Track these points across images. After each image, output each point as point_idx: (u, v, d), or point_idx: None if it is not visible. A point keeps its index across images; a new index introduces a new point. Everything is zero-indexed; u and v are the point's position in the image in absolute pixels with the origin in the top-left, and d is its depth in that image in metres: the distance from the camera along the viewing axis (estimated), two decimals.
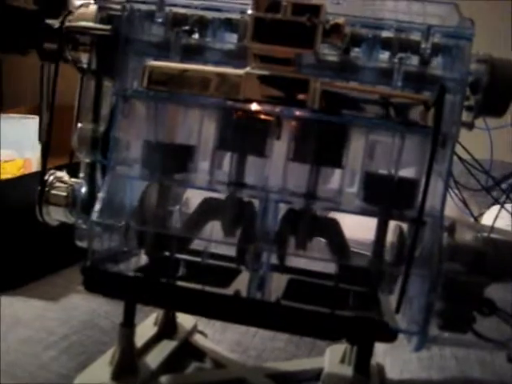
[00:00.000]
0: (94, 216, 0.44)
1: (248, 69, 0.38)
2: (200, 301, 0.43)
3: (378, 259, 0.44)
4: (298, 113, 0.40)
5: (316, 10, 0.36)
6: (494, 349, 0.51)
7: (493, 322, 0.45)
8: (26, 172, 0.86)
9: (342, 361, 0.51)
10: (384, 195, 0.43)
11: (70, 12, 0.47)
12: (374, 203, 0.44)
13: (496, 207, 0.56)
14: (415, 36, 0.43)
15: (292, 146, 0.42)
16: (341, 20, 0.38)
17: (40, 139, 0.50)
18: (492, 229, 0.47)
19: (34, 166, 0.89)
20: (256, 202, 0.44)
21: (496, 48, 0.45)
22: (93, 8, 0.47)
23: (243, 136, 0.41)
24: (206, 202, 0.45)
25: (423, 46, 0.42)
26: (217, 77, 0.39)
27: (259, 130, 0.40)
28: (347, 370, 0.50)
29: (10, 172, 0.83)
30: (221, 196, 0.45)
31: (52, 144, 0.49)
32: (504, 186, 0.47)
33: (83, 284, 0.44)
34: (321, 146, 0.41)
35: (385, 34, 0.43)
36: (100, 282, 0.44)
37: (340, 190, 0.44)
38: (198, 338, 0.55)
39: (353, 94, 0.39)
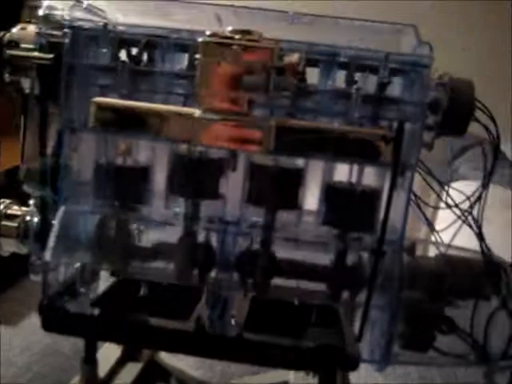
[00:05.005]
0: (48, 256, 0.42)
1: (199, 112, 0.36)
2: (160, 337, 0.43)
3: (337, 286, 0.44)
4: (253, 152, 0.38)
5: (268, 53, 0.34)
6: (455, 365, 0.52)
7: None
8: None
9: (308, 373, 0.52)
10: (344, 214, 0.43)
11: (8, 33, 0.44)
12: (334, 223, 0.43)
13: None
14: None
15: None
16: (295, 58, 0.36)
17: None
18: (449, 246, 0.48)
19: None
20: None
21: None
22: (32, 29, 0.44)
23: (197, 178, 0.40)
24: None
25: (381, 72, 0.41)
26: (168, 117, 0.37)
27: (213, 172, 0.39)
28: (313, 382, 0.50)
29: None
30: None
31: None
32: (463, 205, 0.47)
33: (41, 324, 0.43)
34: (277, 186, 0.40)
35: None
36: (58, 321, 0.43)
37: (298, 220, 0.43)
38: (163, 356, 0.54)
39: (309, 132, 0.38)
